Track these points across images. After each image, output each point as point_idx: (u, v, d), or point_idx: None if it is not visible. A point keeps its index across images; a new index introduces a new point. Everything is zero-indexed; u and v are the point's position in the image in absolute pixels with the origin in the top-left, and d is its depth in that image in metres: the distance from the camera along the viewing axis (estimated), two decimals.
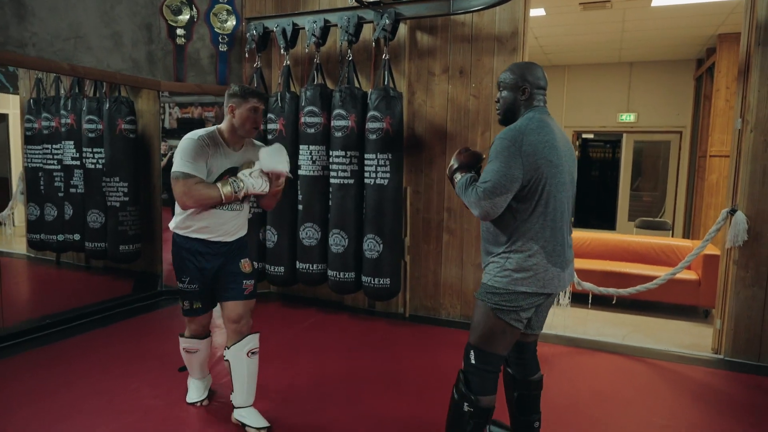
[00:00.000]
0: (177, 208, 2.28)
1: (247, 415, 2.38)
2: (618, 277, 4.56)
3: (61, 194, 4.98)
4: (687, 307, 4.58)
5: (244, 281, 2.37)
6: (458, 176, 1.99)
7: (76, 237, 4.93)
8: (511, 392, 2.17)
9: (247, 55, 4.27)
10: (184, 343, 2.54)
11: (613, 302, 4.37)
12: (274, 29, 4.11)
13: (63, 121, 4.87)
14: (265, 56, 4.42)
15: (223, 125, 2.31)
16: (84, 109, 4.62)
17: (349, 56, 3.90)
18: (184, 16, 4.32)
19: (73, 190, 4.87)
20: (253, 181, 2.24)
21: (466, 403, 1.90)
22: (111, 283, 4.98)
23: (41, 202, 5.08)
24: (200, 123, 6.60)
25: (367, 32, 4.05)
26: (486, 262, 1.97)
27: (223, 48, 4.41)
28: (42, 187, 5.08)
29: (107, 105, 4.49)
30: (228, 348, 2.36)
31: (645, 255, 4.98)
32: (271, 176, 2.28)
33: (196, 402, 2.60)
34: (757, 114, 3.28)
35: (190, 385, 2.66)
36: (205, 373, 2.67)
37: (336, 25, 3.94)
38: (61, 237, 5.01)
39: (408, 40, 4.05)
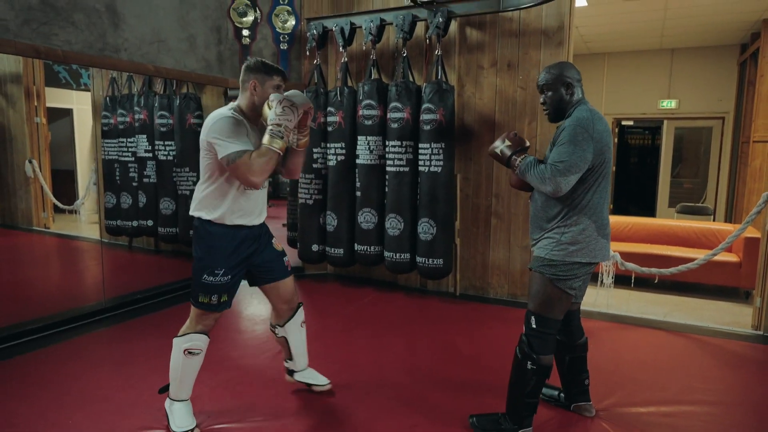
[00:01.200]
0: (208, 198, 2.15)
1: (309, 375, 2.65)
2: (659, 259, 4.74)
3: (135, 184, 5.45)
4: (728, 288, 4.73)
5: (284, 259, 2.42)
6: (519, 158, 2.23)
7: (150, 223, 5.40)
8: (563, 356, 2.45)
9: (308, 53, 4.61)
10: (187, 342, 2.22)
11: (655, 281, 4.57)
12: (333, 28, 4.43)
13: (136, 116, 5.33)
14: (323, 53, 4.75)
15: (243, 102, 2.18)
16: (156, 105, 5.06)
17: (404, 52, 4.19)
18: (249, 18, 4.68)
19: (146, 180, 5.34)
20: (285, 117, 2.04)
21: (529, 362, 2.18)
22: (183, 265, 5.43)
23: (117, 191, 5.57)
24: None
25: (420, 29, 4.33)
26: (539, 237, 2.23)
27: (284, 46, 4.76)
28: (118, 178, 5.57)
29: (177, 101, 4.91)
30: (281, 325, 2.51)
31: (686, 239, 5.14)
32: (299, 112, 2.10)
33: (188, 431, 2.23)
34: None
35: (176, 411, 2.27)
36: (190, 393, 2.32)
37: (391, 24, 4.23)
38: (135, 223, 5.50)
39: (458, 36, 4.31)
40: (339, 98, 4.35)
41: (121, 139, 5.50)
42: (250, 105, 2.17)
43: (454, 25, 4.26)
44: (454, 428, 2.35)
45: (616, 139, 8.63)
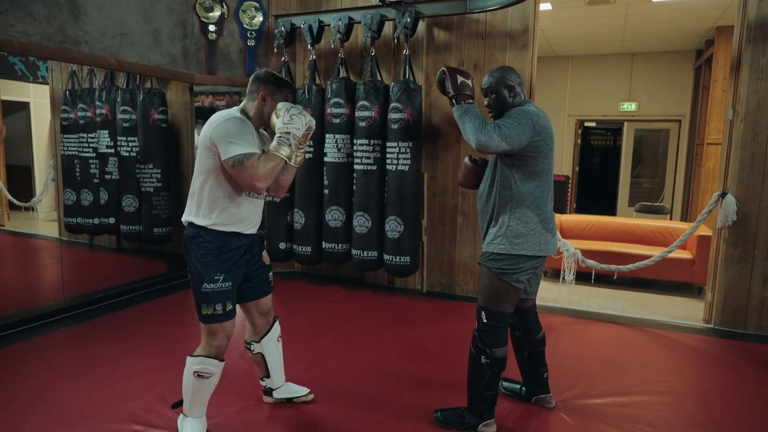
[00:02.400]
0: (204, 202, 2.07)
1: (288, 390, 2.55)
2: (619, 256, 4.90)
3: (96, 180, 5.31)
4: (682, 284, 4.93)
5: (269, 273, 2.37)
6: (466, 100, 2.24)
7: (111, 221, 5.28)
8: (521, 352, 2.53)
9: (275, 50, 4.58)
10: (198, 365, 2.12)
11: (614, 278, 4.73)
12: (301, 26, 4.42)
13: (98, 111, 5.19)
14: (291, 51, 4.73)
15: (250, 109, 2.14)
16: (118, 100, 4.94)
17: (372, 51, 4.21)
18: (216, 13, 4.63)
19: (108, 177, 5.21)
20: (293, 125, 2.02)
21: (483, 356, 2.24)
22: (146, 264, 5.33)
23: (77, 187, 5.41)
24: (211, 111, 6.92)
25: (388, 29, 4.36)
26: (486, 231, 2.31)
27: (251, 43, 4.72)
28: (78, 174, 5.41)
29: (141, 96, 4.80)
30: (257, 341, 2.41)
31: (644, 236, 5.32)
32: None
33: None
34: (746, 105, 3.60)
35: (187, 427, 2.18)
36: (204, 411, 2.24)
37: (360, 23, 4.25)
38: (96, 221, 5.36)
39: (426, 36, 4.36)
40: (307, 96, 4.34)
41: (81, 135, 5.35)
42: (258, 114, 2.13)
43: (421, 26, 4.31)
44: (420, 423, 2.39)
45: (579, 140, 8.86)
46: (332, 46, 4.53)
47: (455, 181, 4.42)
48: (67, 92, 5.30)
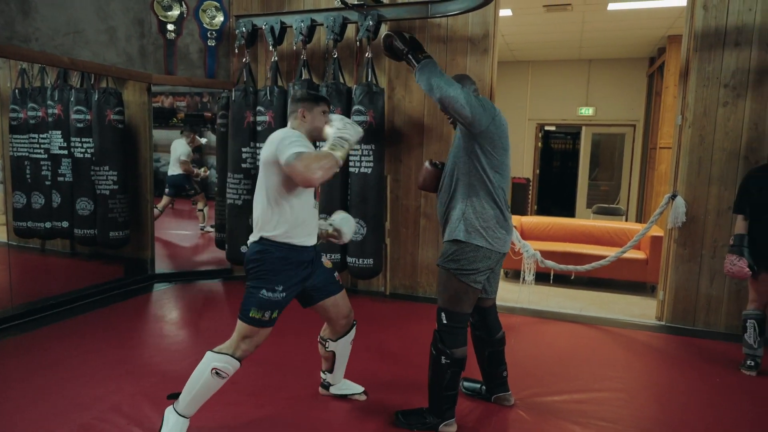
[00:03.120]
0: (270, 217, 2.17)
1: (345, 387, 2.67)
2: (576, 257, 5.04)
3: (48, 183, 5.12)
4: (636, 283, 5.11)
5: (335, 273, 2.47)
6: (420, 57, 2.27)
7: (65, 224, 5.09)
8: (482, 351, 2.57)
9: (236, 51, 4.52)
10: (222, 362, 2.14)
11: (572, 278, 4.86)
12: (263, 27, 4.37)
13: (50, 111, 5.00)
14: (252, 52, 4.67)
15: (297, 127, 2.24)
16: (72, 99, 4.77)
17: (335, 54, 4.21)
18: (174, 12, 4.53)
19: (60, 179, 5.02)
20: (347, 131, 2.12)
21: (443, 357, 2.26)
22: (102, 268, 5.16)
23: (27, 190, 5.20)
24: (171, 112, 6.78)
25: (351, 31, 4.36)
26: (444, 223, 2.34)
27: (211, 43, 4.65)
28: (28, 176, 5.20)
29: (96, 96, 4.64)
30: (334, 341, 2.51)
31: (600, 237, 5.49)
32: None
33: None
34: (694, 112, 3.76)
35: (172, 425, 2.18)
36: (193, 413, 2.24)
37: (322, 25, 4.24)
38: (48, 224, 5.16)
39: None
40: (269, 98, 4.30)
41: (32, 135, 5.14)
42: (304, 131, 2.23)
43: (384, 29, 4.33)
44: (381, 425, 2.40)
45: (540, 144, 9.06)
46: (294, 47, 4.51)
47: (418, 185, 4.45)
48: (17, 91, 5.09)
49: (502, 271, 2.90)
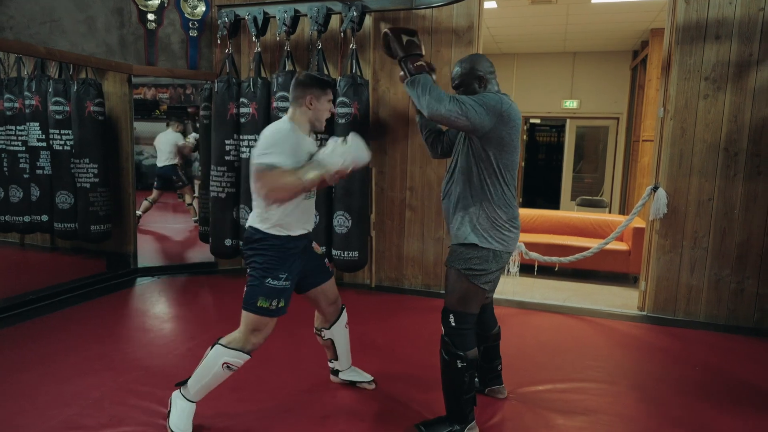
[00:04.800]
0: (263, 208, 2.15)
1: (353, 374, 2.69)
2: (560, 248, 5.08)
3: (26, 176, 5.02)
4: (619, 274, 5.17)
5: (324, 260, 2.47)
6: (412, 67, 2.10)
7: (44, 218, 5.00)
8: (478, 346, 2.53)
9: (219, 41, 4.45)
10: (232, 357, 2.16)
11: (556, 269, 4.90)
12: (246, 17, 4.31)
13: (27, 102, 4.89)
14: (235, 42, 4.61)
15: (298, 116, 2.18)
16: (50, 90, 4.66)
17: (319, 45, 4.17)
18: (155, 2, 4.45)
19: (39, 172, 4.92)
20: (333, 162, 2.03)
21: (458, 361, 2.15)
22: (84, 263, 5.09)
23: (5, 183, 5.10)
24: (154, 104, 6.68)
25: (335, 22, 4.32)
26: (455, 230, 2.21)
27: (193, 33, 4.57)
28: (5, 169, 5.10)
29: (75, 87, 4.55)
30: (327, 328, 2.55)
31: (584, 229, 5.54)
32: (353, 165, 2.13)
33: None
34: (675, 104, 3.80)
35: (180, 409, 2.20)
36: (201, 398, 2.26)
37: (306, 15, 4.19)
38: (27, 218, 5.07)
39: (373, 31, 4.35)
40: (252, 89, 4.25)
41: (9, 127, 5.04)
42: (307, 120, 2.19)
43: (368, 20, 4.30)
44: (366, 419, 2.40)
45: (525, 137, 9.09)
46: (278, 38, 4.46)
47: (403, 176, 4.45)
48: None
49: None
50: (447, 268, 2.25)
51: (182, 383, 2.24)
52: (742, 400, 2.68)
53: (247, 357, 2.19)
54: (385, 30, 2.20)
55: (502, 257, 2.18)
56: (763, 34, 3.59)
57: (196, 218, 6.65)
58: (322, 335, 2.59)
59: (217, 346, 2.18)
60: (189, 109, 6.51)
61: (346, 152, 2.05)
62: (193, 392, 2.20)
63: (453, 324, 2.18)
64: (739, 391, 2.78)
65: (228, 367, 2.16)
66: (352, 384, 2.69)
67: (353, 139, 2.10)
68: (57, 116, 4.65)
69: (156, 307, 4.04)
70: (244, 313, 2.18)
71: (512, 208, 2.19)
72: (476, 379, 2.62)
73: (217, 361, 2.15)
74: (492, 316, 2.56)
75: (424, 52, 2.19)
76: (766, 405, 2.63)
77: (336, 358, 2.66)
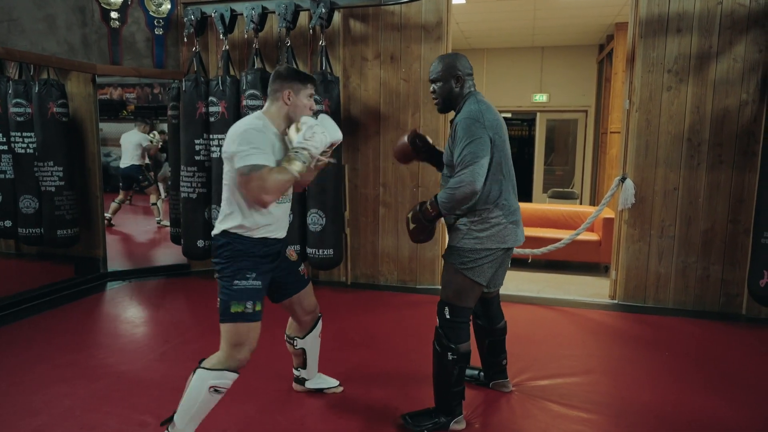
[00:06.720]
0: (233, 207, 2.02)
1: (320, 381, 2.62)
2: (533, 240, 5.13)
3: None
4: (590, 264, 5.27)
5: (299, 268, 2.35)
6: (428, 202, 2.18)
7: (8, 223, 4.85)
8: (483, 340, 2.57)
9: (185, 40, 4.37)
10: (218, 379, 1.99)
11: (529, 261, 4.97)
12: (212, 15, 4.24)
13: None
14: (203, 40, 4.53)
15: (274, 113, 2.06)
16: (10, 92, 4.52)
17: (288, 42, 4.13)
18: (118, 0, 4.34)
19: (1, 176, 4.77)
20: (313, 144, 1.95)
21: (449, 353, 2.18)
22: (51, 268, 4.95)
23: None
24: (121, 104, 6.53)
25: (303, 19, 4.29)
26: (451, 226, 2.24)
27: (159, 32, 4.48)
28: None
29: (36, 88, 4.41)
30: (301, 338, 2.45)
31: (556, 221, 5.64)
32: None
33: None
34: (640, 96, 3.89)
35: None
36: (196, 427, 2.06)
37: (274, 12, 4.15)
38: None
39: (342, 27, 4.34)
40: (221, 88, 4.19)
41: None
42: (282, 114, 2.05)
43: (337, 17, 4.28)
44: (345, 416, 2.40)
45: None
46: (246, 36, 4.40)
47: (376, 173, 4.45)
48: None
49: None
50: (444, 261, 2.27)
51: (168, 421, 2.04)
52: (712, 380, 2.77)
53: (234, 376, 2.02)
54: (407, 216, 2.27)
55: (496, 254, 2.19)
56: (721, 27, 3.70)
57: (159, 218, 6.56)
58: (294, 344, 2.49)
59: (199, 370, 2.00)
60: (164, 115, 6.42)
61: (325, 131, 2.00)
62: (182, 427, 2.00)
63: (448, 316, 2.21)
64: (707, 373, 2.87)
65: (216, 390, 1.98)
66: (319, 392, 2.61)
67: (323, 118, 2.05)
68: (18, 118, 4.51)
69: (128, 311, 3.96)
70: (222, 327, 2.03)
71: (510, 203, 2.20)
72: (481, 373, 2.65)
73: (203, 386, 1.96)
74: (498, 310, 2.56)
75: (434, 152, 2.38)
76: (733, 384, 2.72)
77: (304, 367, 2.56)
